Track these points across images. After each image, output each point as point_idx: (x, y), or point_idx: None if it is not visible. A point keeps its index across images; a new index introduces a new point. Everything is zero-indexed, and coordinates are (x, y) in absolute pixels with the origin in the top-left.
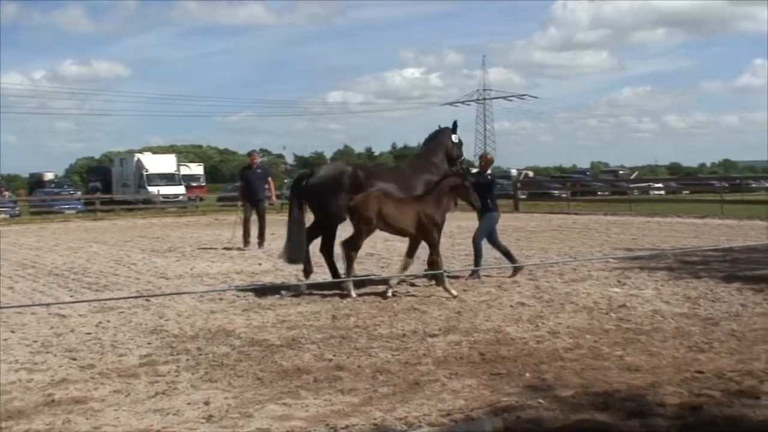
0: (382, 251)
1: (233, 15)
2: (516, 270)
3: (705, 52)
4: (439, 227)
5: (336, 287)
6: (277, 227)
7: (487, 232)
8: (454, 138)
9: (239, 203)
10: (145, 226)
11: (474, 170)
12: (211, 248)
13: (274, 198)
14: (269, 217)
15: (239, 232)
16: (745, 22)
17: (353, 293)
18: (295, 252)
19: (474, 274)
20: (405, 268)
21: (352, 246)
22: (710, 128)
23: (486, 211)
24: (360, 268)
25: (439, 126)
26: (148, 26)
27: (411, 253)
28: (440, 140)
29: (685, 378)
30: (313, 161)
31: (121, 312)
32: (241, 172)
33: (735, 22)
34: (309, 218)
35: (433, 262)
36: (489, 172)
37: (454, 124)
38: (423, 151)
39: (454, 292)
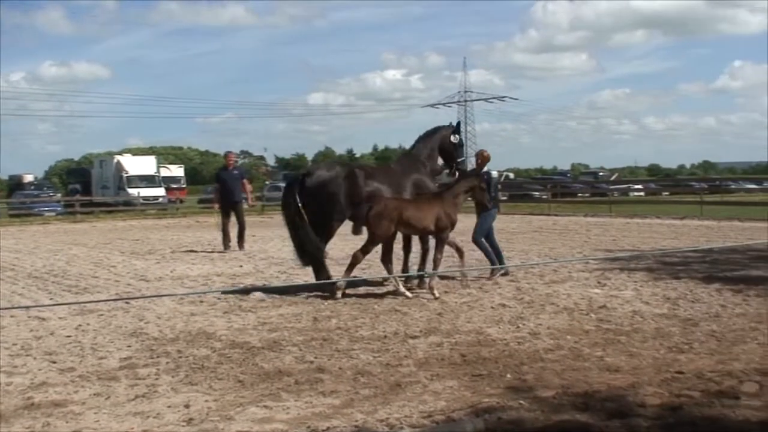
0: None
1: (214, 16)
2: (494, 272)
3: (684, 55)
4: (453, 224)
5: (319, 288)
6: (258, 229)
7: (486, 230)
8: (454, 139)
9: (215, 206)
10: (125, 229)
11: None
12: (191, 250)
13: (250, 200)
14: (249, 219)
15: (220, 235)
16: (724, 25)
17: (339, 294)
18: (310, 251)
19: (494, 272)
20: (437, 265)
21: (363, 251)
22: (689, 130)
23: (484, 209)
24: (343, 270)
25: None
26: (128, 27)
27: (440, 250)
28: (431, 139)
29: (665, 378)
30: (295, 163)
31: (101, 315)
32: (217, 173)
33: (714, 25)
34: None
35: (436, 260)
36: (486, 169)
37: (457, 125)
38: (412, 149)
39: (437, 294)
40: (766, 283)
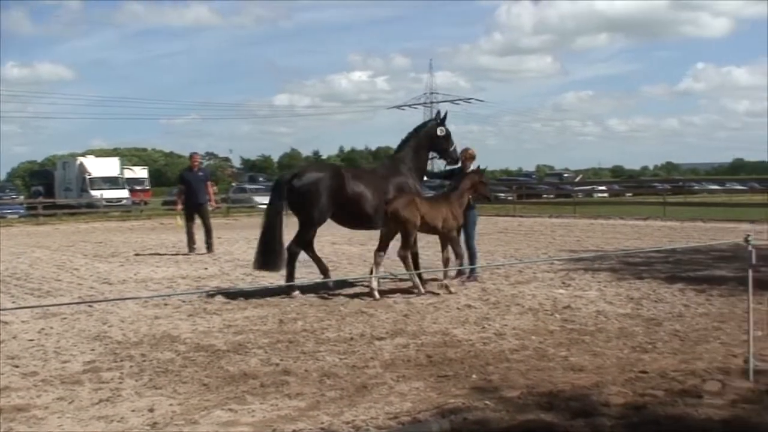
0: (330, 255)
1: (179, 17)
2: (460, 273)
3: (647, 57)
4: (459, 225)
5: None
6: (223, 231)
7: (473, 230)
8: (440, 131)
9: (179, 207)
10: (88, 231)
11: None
12: (155, 253)
13: (213, 201)
14: (215, 222)
15: (185, 238)
16: (687, 27)
17: (377, 294)
18: (271, 260)
19: (472, 274)
20: (447, 262)
21: (405, 247)
22: (652, 131)
23: (468, 208)
24: (307, 272)
25: (437, 117)
26: (92, 28)
27: (446, 247)
28: (416, 138)
29: (629, 378)
30: (260, 164)
31: (64, 318)
32: (181, 174)
33: (676, 27)
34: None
35: (448, 259)
36: (472, 167)
37: (444, 114)
38: (397, 151)
39: (454, 290)
40: (729, 283)
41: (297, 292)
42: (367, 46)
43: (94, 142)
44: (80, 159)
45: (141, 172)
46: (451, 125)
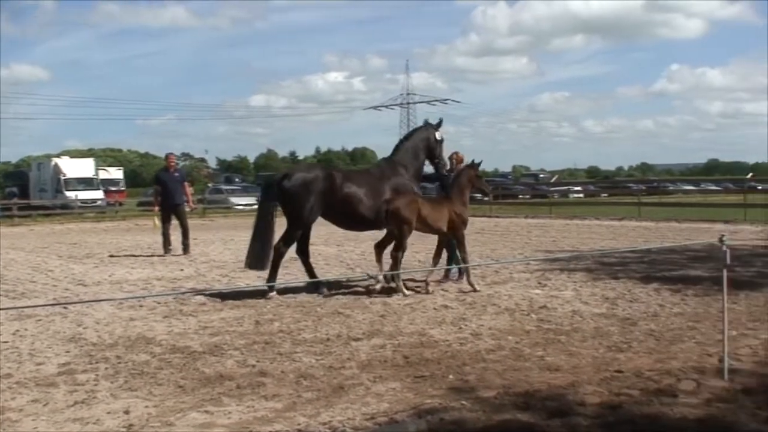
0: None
1: (154, 17)
2: (448, 273)
3: (622, 59)
4: (465, 223)
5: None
6: (199, 232)
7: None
8: (438, 136)
9: (155, 208)
10: (63, 232)
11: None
12: (130, 254)
13: (191, 203)
14: (191, 222)
15: (160, 238)
16: (662, 29)
17: (405, 291)
18: (259, 259)
19: (461, 274)
20: (465, 262)
21: (398, 248)
22: (627, 132)
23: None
24: (284, 273)
25: (426, 121)
26: (68, 29)
27: (462, 249)
28: (414, 140)
29: (605, 377)
30: (236, 165)
31: (39, 320)
32: (157, 175)
33: (651, 29)
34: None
35: (463, 259)
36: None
37: (440, 121)
38: (394, 154)
39: (478, 287)
40: (704, 283)
41: (273, 293)
42: (343, 47)
43: (69, 142)
44: (55, 160)
45: (116, 173)
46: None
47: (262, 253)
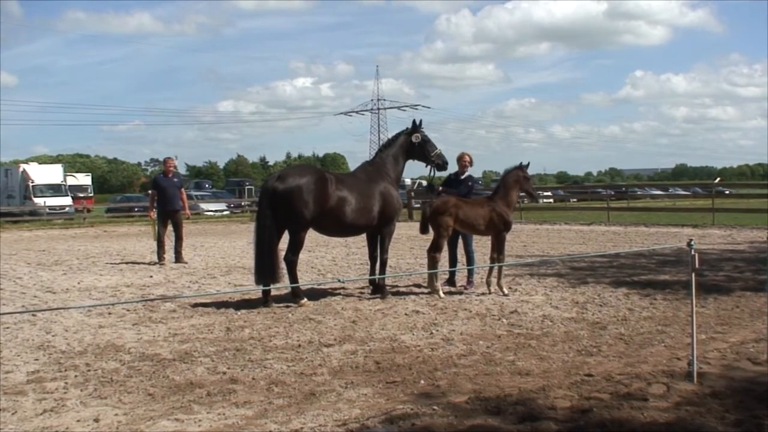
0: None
1: (121, 24)
2: (471, 276)
3: (587, 65)
4: (508, 225)
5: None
6: (169, 238)
7: (472, 236)
8: (415, 138)
9: (152, 214)
10: (31, 239)
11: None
12: (99, 261)
13: (187, 211)
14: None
15: (155, 246)
16: (626, 36)
17: (441, 293)
18: (270, 273)
19: (470, 280)
20: (500, 262)
21: (435, 249)
22: (594, 138)
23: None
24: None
25: (412, 125)
26: (35, 35)
27: (499, 250)
28: (392, 148)
29: (575, 381)
30: (206, 171)
31: (7, 327)
32: (155, 180)
33: (615, 36)
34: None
35: (494, 259)
36: (467, 173)
37: (420, 122)
38: (375, 158)
39: (506, 291)
40: (673, 287)
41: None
42: (310, 54)
43: (37, 148)
44: (23, 166)
45: (84, 179)
46: (397, 131)
47: (271, 265)
